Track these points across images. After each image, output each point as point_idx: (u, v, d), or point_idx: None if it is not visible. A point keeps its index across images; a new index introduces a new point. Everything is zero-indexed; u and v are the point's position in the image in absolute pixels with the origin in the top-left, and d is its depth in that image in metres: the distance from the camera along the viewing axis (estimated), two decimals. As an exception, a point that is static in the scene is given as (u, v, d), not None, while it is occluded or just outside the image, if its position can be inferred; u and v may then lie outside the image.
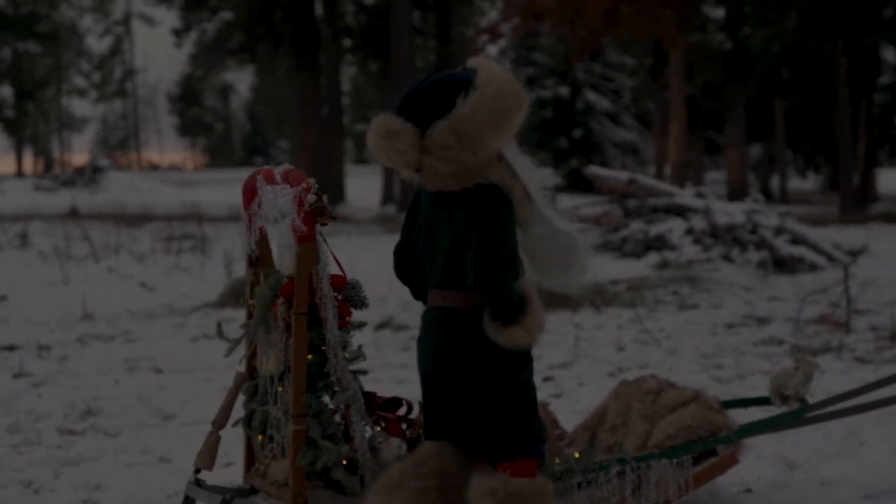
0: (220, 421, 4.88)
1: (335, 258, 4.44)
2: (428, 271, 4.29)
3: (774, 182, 54.09)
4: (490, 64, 4.20)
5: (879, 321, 11.17)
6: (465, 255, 4.09)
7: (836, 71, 39.11)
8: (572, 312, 12.12)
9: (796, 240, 17.11)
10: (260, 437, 4.72)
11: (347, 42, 47.30)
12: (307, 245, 4.32)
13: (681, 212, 18.15)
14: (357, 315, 4.52)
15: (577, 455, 4.89)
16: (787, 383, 5.37)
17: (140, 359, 10.09)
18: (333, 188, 41.36)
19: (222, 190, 48.48)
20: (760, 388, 7.65)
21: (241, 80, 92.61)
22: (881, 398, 5.74)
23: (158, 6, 49.06)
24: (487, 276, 4.02)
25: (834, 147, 44.89)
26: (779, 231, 17.16)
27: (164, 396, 8.39)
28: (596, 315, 12.18)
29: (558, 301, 11.81)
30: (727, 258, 16.58)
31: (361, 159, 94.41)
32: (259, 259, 4.86)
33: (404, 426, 4.84)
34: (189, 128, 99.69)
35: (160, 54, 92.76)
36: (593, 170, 20.15)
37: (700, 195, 18.90)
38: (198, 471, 4.85)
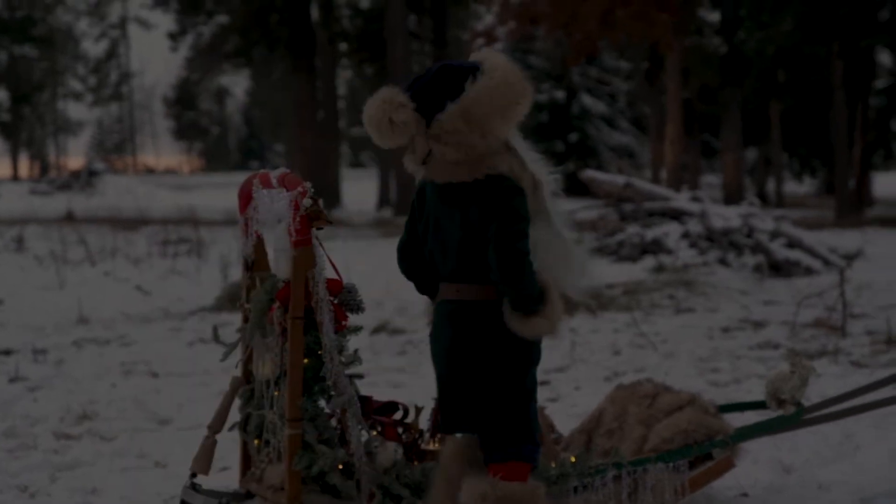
0: (217, 425, 4.88)
1: (331, 262, 4.44)
2: (440, 265, 4.29)
3: (770, 185, 54.09)
4: (495, 54, 4.23)
5: (875, 325, 11.18)
6: (480, 248, 4.11)
7: (831, 74, 39.15)
8: (568, 316, 12.12)
9: (792, 243, 17.11)
10: (256, 442, 4.72)
11: (343, 46, 47.32)
12: (303, 249, 4.32)
13: (677, 215, 18.14)
14: (353, 319, 4.52)
15: (573, 459, 4.89)
16: (783, 387, 5.37)
17: (136, 363, 10.08)
18: (329, 192, 41.36)
19: (218, 194, 48.48)
20: (756, 391, 7.66)
21: (237, 83, 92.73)
22: (876, 400, 5.74)
23: (154, 10, 49.09)
24: (510, 268, 4.04)
25: (830, 150, 44.91)
26: (775, 235, 17.16)
27: (160, 400, 8.39)
28: (592, 319, 12.18)
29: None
30: (723, 262, 16.58)
31: (357, 163, 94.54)
32: (255, 263, 4.86)
33: (400, 430, 4.84)
34: (185, 131, 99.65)
35: (156, 58, 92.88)
36: (589, 173, 20.14)
37: (696, 199, 18.90)
38: (194, 475, 4.85)
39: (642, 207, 18.49)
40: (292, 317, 4.34)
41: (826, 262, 16.87)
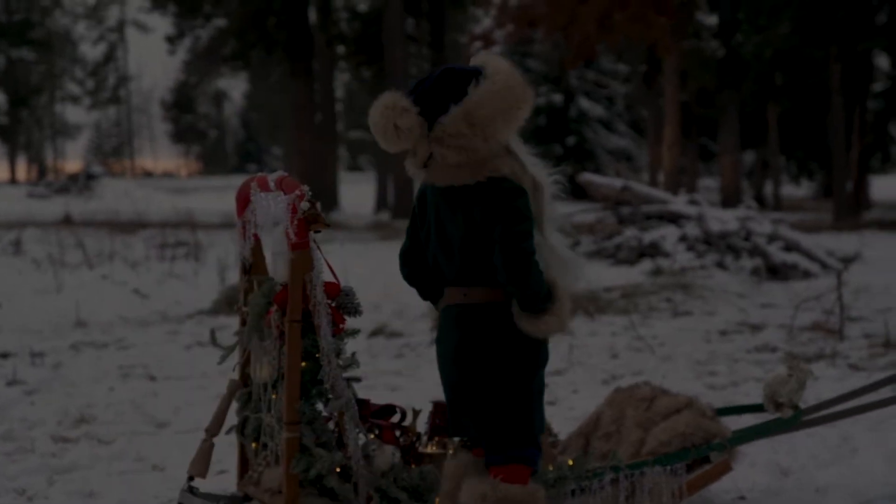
0: (214, 428, 4.88)
1: (329, 265, 4.44)
2: (445, 269, 4.29)
3: (768, 189, 54.10)
4: (497, 59, 4.25)
5: (873, 328, 11.18)
6: (485, 250, 4.12)
7: (829, 77, 39.15)
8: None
9: (790, 247, 17.12)
10: (254, 445, 4.72)
11: (341, 49, 47.29)
12: (301, 252, 4.32)
13: (674, 219, 18.15)
14: (351, 322, 4.52)
15: (570, 462, 4.89)
16: (781, 390, 5.37)
17: (134, 366, 10.08)
18: (327, 195, 41.38)
19: (216, 197, 48.52)
20: (754, 395, 7.66)
21: (235, 86, 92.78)
22: (872, 401, 5.74)
23: (152, 13, 49.06)
24: (517, 268, 4.05)
25: (827, 154, 44.93)
26: (772, 238, 17.17)
27: (157, 404, 8.39)
28: (590, 322, 12.18)
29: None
30: (721, 265, 16.59)
31: (355, 166, 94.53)
32: (253, 266, 4.87)
33: (398, 433, 4.84)
34: (183, 135, 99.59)
35: (154, 61, 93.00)
36: (587, 177, 20.14)
37: (693, 202, 18.91)
38: (191, 478, 4.85)
39: (640, 210, 18.50)
40: (290, 320, 4.34)
41: (824, 266, 16.88)
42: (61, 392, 8.88)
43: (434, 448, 4.94)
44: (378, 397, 5.14)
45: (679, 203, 18.77)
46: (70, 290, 15.83)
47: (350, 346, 4.51)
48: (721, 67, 40.29)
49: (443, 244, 4.24)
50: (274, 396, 4.54)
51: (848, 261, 17.79)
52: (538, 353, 4.26)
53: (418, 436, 4.95)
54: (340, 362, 4.43)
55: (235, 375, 4.87)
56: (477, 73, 4.14)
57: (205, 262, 19.26)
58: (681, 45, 35.91)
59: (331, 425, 4.49)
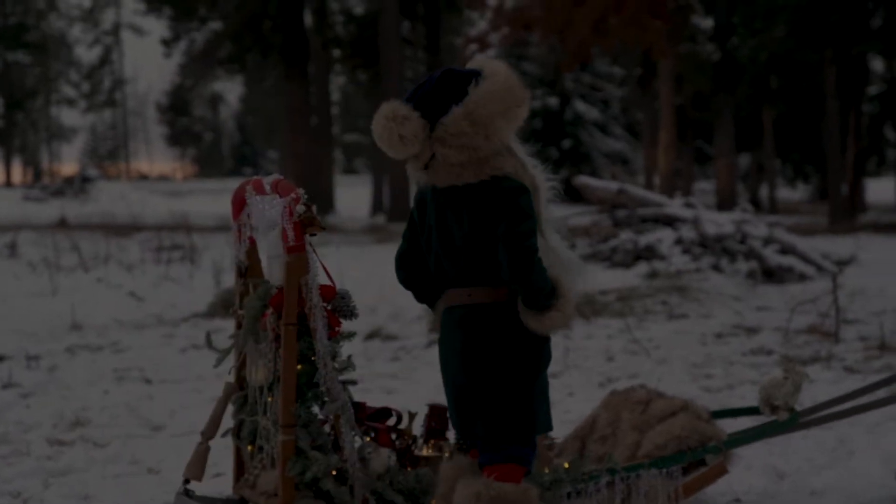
0: (210, 431, 4.88)
1: (324, 268, 4.44)
2: (447, 271, 4.28)
3: (763, 192, 54.16)
4: (493, 61, 4.29)
5: (868, 331, 11.19)
6: (489, 249, 4.14)
7: (824, 81, 39.19)
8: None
9: (785, 250, 17.13)
10: (249, 448, 4.72)
11: (337, 52, 47.29)
12: (296, 255, 4.32)
13: (670, 222, 18.16)
14: (346, 325, 4.52)
15: (566, 465, 4.89)
16: (777, 393, 5.37)
17: (129, 369, 10.07)
18: (323, 198, 41.35)
19: (211, 200, 48.52)
20: (750, 397, 7.66)
21: (231, 90, 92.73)
22: (867, 402, 5.74)
23: (148, 16, 49.05)
24: (521, 266, 4.06)
25: (823, 157, 44.98)
26: (768, 241, 17.18)
27: (153, 407, 8.39)
28: (585, 325, 12.17)
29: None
30: (716, 268, 16.59)
31: (351, 169, 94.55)
32: (248, 269, 4.86)
33: (394, 436, 4.84)
34: (178, 138, 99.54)
35: (149, 64, 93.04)
36: (583, 180, 20.15)
37: (689, 205, 18.92)
38: (187, 481, 4.85)
39: (635, 213, 18.51)
40: (286, 323, 4.34)
41: (819, 268, 16.90)
42: (57, 395, 8.87)
43: (430, 451, 4.94)
44: (374, 400, 5.14)
45: (675, 206, 18.78)
46: (65, 293, 15.82)
47: (346, 349, 4.51)
48: (716, 71, 40.33)
49: (446, 246, 4.24)
50: (270, 399, 4.54)
51: (843, 264, 17.81)
52: (541, 352, 4.28)
53: (414, 439, 4.95)
54: (336, 365, 4.42)
55: (231, 378, 4.87)
56: (476, 75, 4.17)
57: (200, 265, 19.26)
58: (676, 48, 35.89)
59: (327, 428, 4.49)
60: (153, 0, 44.80)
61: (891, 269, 17.68)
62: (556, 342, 10.40)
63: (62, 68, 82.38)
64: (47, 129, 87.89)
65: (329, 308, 4.42)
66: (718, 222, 17.62)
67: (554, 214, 4.37)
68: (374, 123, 4.17)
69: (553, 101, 52.33)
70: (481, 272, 4.18)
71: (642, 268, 16.81)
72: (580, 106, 53.59)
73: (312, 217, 4.30)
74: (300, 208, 4.27)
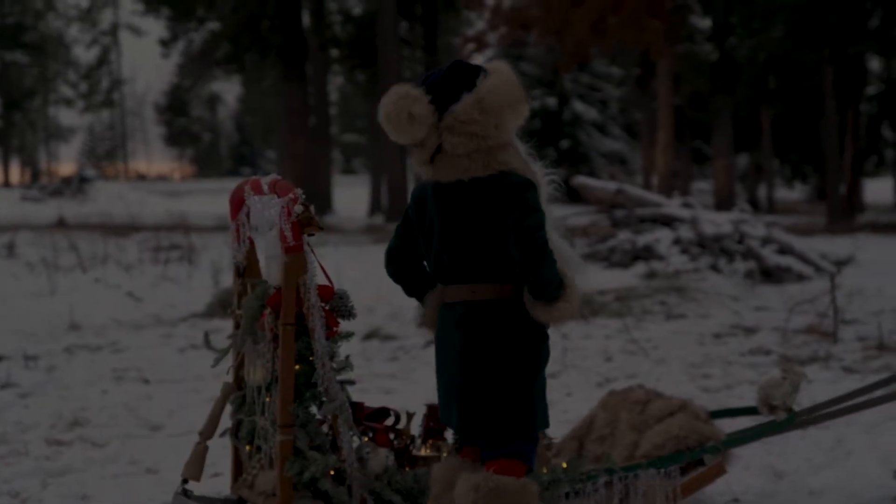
0: (208, 431, 4.88)
1: (322, 268, 4.44)
2: (450, 268, 4.27)
3: (761, 192, 54.19)
4: (495, 62, 4.31)
5: (866, 331, 11.19)
6: (494, 245, 4.14)
7: (822, 81, 39.23)
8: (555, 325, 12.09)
9: (783, 250, 17.14)
10: (247, 448, 4.71)
11: (335, 52, 47.27)
12: (294, 255, 4.31)
13: (668, 222, 18.17)
14: (344, 325, 4.52)
15: (564, 465, 4.89)
16: (775, 393, 5.37)
17: (127, 369, 10.07)
18: (321, 198, 41.33)
19: (209, 200, 48.51)
20: (748, 398, 7.67)
21: (229, 90, 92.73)
22: (864, 400, 5.74)
23: (146, 16, 49.03)
24: (533, 258, 4.06)
25: (821, 157, 45.00)
26: (766, 241, 17.19)
27: (151, 407, 8.39)
28: (584, 325, 12.17)
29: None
30: (714, 268, 16.60)
31: (349, 169, 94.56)
32: (246, 269, 4.86)
33: (392, 436, 4.84)
34: (176, 138, 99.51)
35: (147, 64, 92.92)
36: (581, 180, 20.17)
37: (687, 205, 18.94)
38: (185, 481, 4.85)
39: (634, 213, 18.52)
40: (284, 323, 4.34)
41: (817, 268, 16.90)
42: (55, 395, 8.87)
43: (428, 451, 4.93)
44: (372, 400, 5.14)
45: (673, 206, 18.79)
46: (64, 293, 15.82)
47: (344, 349, 4.51)
48: (714, 71, 40.35)
49: (449, 242, 4.23)
50: (268, 399, 4.53)
51: (841, 264, 17.82)
52: (543, 349, 4.28)
53: (412, 439, 4.94)
54: (334, 365, 4.42)
55: (229, 378, 4.86)
56: (482, 70, 4.21)
57: (198, 266, 19.25)
58: (674, 48, 35.92)
59: (325, 428, 4.48)
60: (151, 0, 44.78)
61: (889, 269, 17.70)
62: (555, 342, 10.44)
63: (60, 68, 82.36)
64: (45, 130, 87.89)
65: (327, 308, 4.42)
66: (716, 222, 17.63)
67: (553, 214, 4.37)
68: (383, 102, 4.17)
69: (551, 102, 52.38)
70: (486, 268, 4.18)
71: (640, 268, 16.82)
72: (578, 106, 53.62)
73: (310, 217, 4.29)
74: (298, 208, 4.27)
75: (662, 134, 37.08)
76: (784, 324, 11.40)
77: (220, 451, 5.39)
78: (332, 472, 4.38)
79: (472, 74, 4.18)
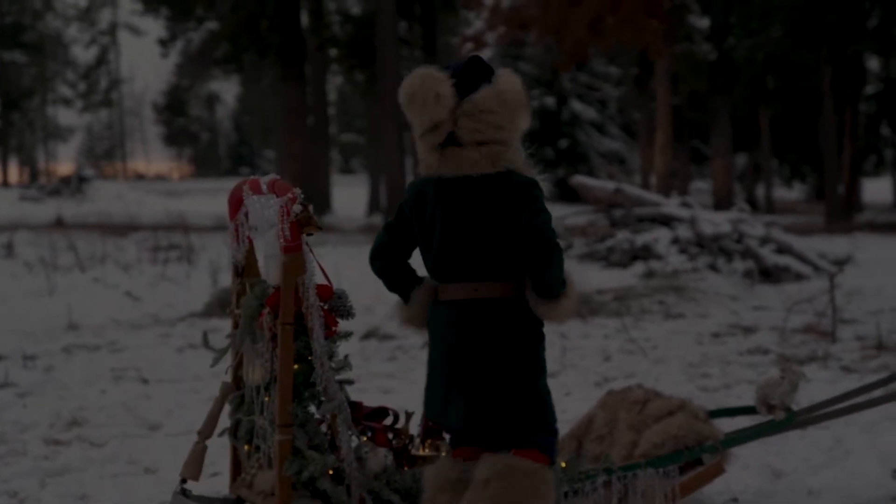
0: (207, 431, 4.87)
1: (321, 268, 4.43)
2: (451, 265, 4.27)
3: (760, 191, 54.20)
4: (502, 69, 4.36)
5: (865, 330, 11.20)
6: (500, 243, 4.17)
7: (820, 80, 39.24)
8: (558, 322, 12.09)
9: (782, 249, 17.14)
10: (246, 447, 4.71)
11: (333, 52, 47.25)
12: (293, 255, 4.31)
13: (667, 221, 18.17)
14: (343, 325, 4.51)
15: (563, 465, 4.89)
16: (773, 393, 5.37)
17: (126, 369, 10.06)
18: (319, 198, 41.30)
19: (208, 200, 48.49)
20: (746, 397, 7.67)
21: (227, 90, 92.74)
22: (863, 400, 5.74)
23: (144, 16, 49.00)
24: (543, 255, 4.10)
25: (819, 157, 45.01)
26: (764, 240, 17.19)
27: (150, 406, 8.38)
28: (582, 325, 12.18)
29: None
30: (713, 268, 16.60)
31: (347, 169, 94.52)
32: (245, 269, 4.86)
33: (391, 436, 4.84)
34: (175, 137, 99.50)
35: (146, 64, 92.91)
36: (579, 179, 20.17)
37: (686, 205, 18.93)
38: (184, 481, 4.84)
39: (632, 213, 18.52)
40: (282, 322, 4.33)
41: (816, 268, 16.91)
42: (53, 395, 8.86)
43: (427, 450, 4.93)
44: (371, 400, 5.13)
45: (671, 206, 18.79)
46: (62, 292, 15.81)
47: (342, 348, 4.50)
48: (713, 71, 40.33)
49: (451, 239, 4.23)
50: (266, 399, 4.53)
51: (840, 263, 17.82)
52: (542, 346, 4.31)
53: (411, 438, 4.94)
54: (333, 365, 4.42)
55: (228, 378, 4.86)
56: (493, 71, 4.29)
57: (197, 265, 19.25)
58: (672, 48, 35.92)
59: (323, 428, 4.48)
60: (150, 0, 44.76)
61: (887, 268, 17.71)
62: (553, 342, 10.46)
63: (59, 68, 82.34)
64: (44, 129, 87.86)
65: (326, 307, 4.42)
66: (715, 222, 17.64)
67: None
68: (406, 83, 4.23)
69: (550, 101, 52.41)
70: (490, 266, 4.19)
71: (639, 267, 16.83)
72: (577, 106, 53.65)
73: (309, 217, 4.29)
74: (297, 208, 4.26)
75: (661, 133, 37.07)
76: (782, 323, 11.40)
77: (219, 451, 5.39)
78: (330, 472, 4.38)
79: (489, 71, 4.26)
